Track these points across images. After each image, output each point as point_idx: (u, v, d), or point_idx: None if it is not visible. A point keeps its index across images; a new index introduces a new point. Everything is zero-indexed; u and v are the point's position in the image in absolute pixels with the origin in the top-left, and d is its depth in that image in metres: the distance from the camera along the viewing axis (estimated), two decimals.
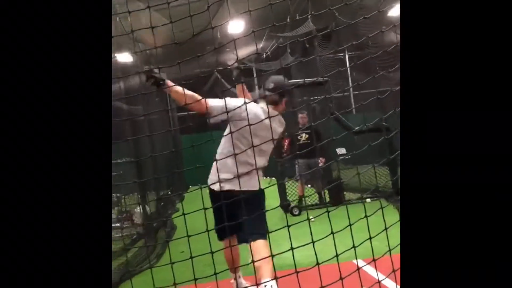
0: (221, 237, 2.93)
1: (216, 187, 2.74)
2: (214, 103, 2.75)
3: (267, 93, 2.91)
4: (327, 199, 7.31)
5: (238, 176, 2.51)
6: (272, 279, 2.47)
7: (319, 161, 7.14)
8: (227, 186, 2.71)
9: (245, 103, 2.56)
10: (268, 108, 2.80)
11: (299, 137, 7.23)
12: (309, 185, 8.06)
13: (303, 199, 7.26)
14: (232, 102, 2.76)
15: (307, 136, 7.20)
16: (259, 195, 2.78)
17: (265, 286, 2.49)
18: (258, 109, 2.84)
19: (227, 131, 2.83)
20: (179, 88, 2.71)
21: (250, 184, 2.73)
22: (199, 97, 2.70)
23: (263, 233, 2.72)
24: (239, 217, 2.52)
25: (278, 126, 2.92)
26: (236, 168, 2.54)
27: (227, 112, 2.56)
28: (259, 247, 2.66)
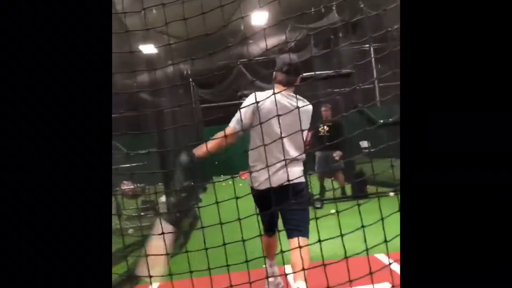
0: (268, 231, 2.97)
1: (258, 186, 2.76)
2: (232, 123, 2.73)
3: (282, 76, 2.78)
4: (349, 193, 7.26)
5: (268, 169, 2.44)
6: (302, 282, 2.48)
7: (335, 155, 7.04)
8: (264, 185, 2.72)
9: (255, 103, 2.50)
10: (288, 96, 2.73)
11: (320, 129, 7.17)
12: (332, 179, 8.01)
13: (324, 192, 7.24)
14: (252, 99, 2.63)
15: (327, 128, 7.13)
16: (295, 187, 2.67)
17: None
18: (278, 98, 2.65)
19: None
20: (204, 147, 2.71)
21: (283, 176, 2.59)
22: (221, 134, 2.65)
23: (301, 229, 2.71)
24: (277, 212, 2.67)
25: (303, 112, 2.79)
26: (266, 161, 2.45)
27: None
28: (296, 245, 2.58)
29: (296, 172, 2.73)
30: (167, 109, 6.71)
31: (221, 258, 2.04)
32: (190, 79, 12.38)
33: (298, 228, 2.71)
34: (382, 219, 1.98)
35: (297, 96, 2.76)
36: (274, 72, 2.85)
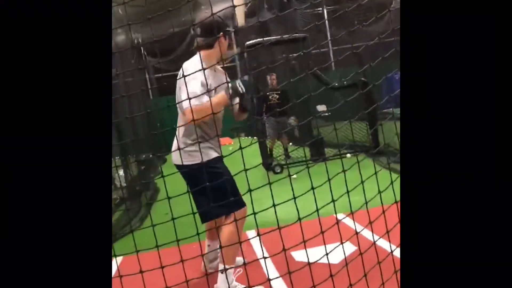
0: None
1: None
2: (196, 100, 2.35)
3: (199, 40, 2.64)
4: (308, 156, 7.40)
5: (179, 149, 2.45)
6: (229, 267, 2.51)
7: (292, 119, 7.36)
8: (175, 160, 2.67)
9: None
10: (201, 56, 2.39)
11: (270, 97, 7.32)
12: (289, 143, 8.13)
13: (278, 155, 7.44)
14: (198, 85, 2.45)
15: (277, 96, 7.33)
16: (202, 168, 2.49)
17: (221, 273, 2.53)
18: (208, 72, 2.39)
19: None
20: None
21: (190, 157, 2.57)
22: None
23: (202, 214, 2.60)
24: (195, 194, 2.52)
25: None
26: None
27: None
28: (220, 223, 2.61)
29: (176, 154, 2.61)
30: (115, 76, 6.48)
31: (171, 234, 2.02)
32: (142, 48, 11.99)
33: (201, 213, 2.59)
34: (329, 180, 2.02)
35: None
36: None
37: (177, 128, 2.62)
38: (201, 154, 2.36)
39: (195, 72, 2.16)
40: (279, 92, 7.39)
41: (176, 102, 2.53)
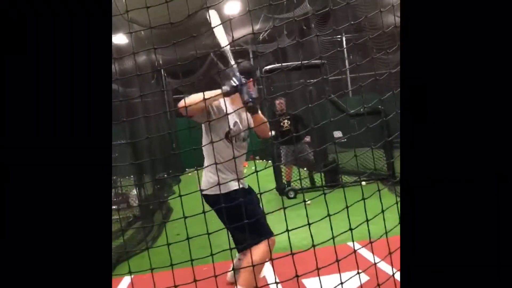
0: None
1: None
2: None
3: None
4: (323, 183, 7.34)
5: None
6: None
7: (305, 139, 7.19)
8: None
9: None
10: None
11: (281, 124, 7.19)
12: (304, 168, 8.08)
13: (292, 183, 7.29)
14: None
15: (288, 122, 7.15)
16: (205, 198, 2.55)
17: None
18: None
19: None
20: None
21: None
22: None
23: (240, 246, 2.56)
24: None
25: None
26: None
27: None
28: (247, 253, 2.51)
29: (204, 181, 2.59)
30: (135, 98, 6.60)
31: (184, 254, 2.01)
32: (162, 69, 12.22)
33: (237, 245, 2.57)
34: (347, 207, 1.99)
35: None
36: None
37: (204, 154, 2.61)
38: (219, 186, 2.32)
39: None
40: (289, 117, 7.23)
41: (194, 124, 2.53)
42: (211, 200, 2.52)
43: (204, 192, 2.55)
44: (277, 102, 7.21)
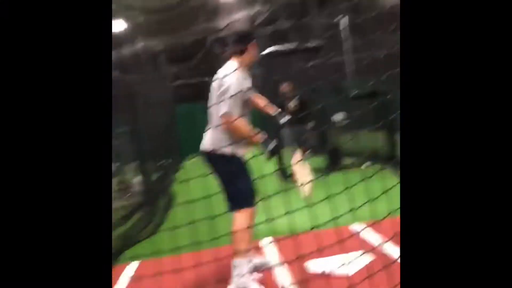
0: None
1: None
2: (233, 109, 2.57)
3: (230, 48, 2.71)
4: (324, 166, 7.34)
5: None
6: (242, 259, 2.44)
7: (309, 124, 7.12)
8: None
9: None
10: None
11: (288, 106, 7.08)
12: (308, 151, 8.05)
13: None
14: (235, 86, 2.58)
15: (295, 104, 7.05)
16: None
17: (234, 266, 2.46)
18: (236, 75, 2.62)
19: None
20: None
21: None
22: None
23: (236, 203, 2.60)
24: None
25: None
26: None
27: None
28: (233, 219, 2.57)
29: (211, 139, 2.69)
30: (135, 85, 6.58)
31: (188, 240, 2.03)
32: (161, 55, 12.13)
33: (229, 202, 2.65)
34: (348, 188, 1.99)
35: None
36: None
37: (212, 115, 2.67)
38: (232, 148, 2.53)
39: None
40: (297, 99, 7.11)
41: (209, 104, 2.63)
42: (218, 158, 2.62)
43: (211, 151, 2.61)
44: (283, 85, 7.12)
